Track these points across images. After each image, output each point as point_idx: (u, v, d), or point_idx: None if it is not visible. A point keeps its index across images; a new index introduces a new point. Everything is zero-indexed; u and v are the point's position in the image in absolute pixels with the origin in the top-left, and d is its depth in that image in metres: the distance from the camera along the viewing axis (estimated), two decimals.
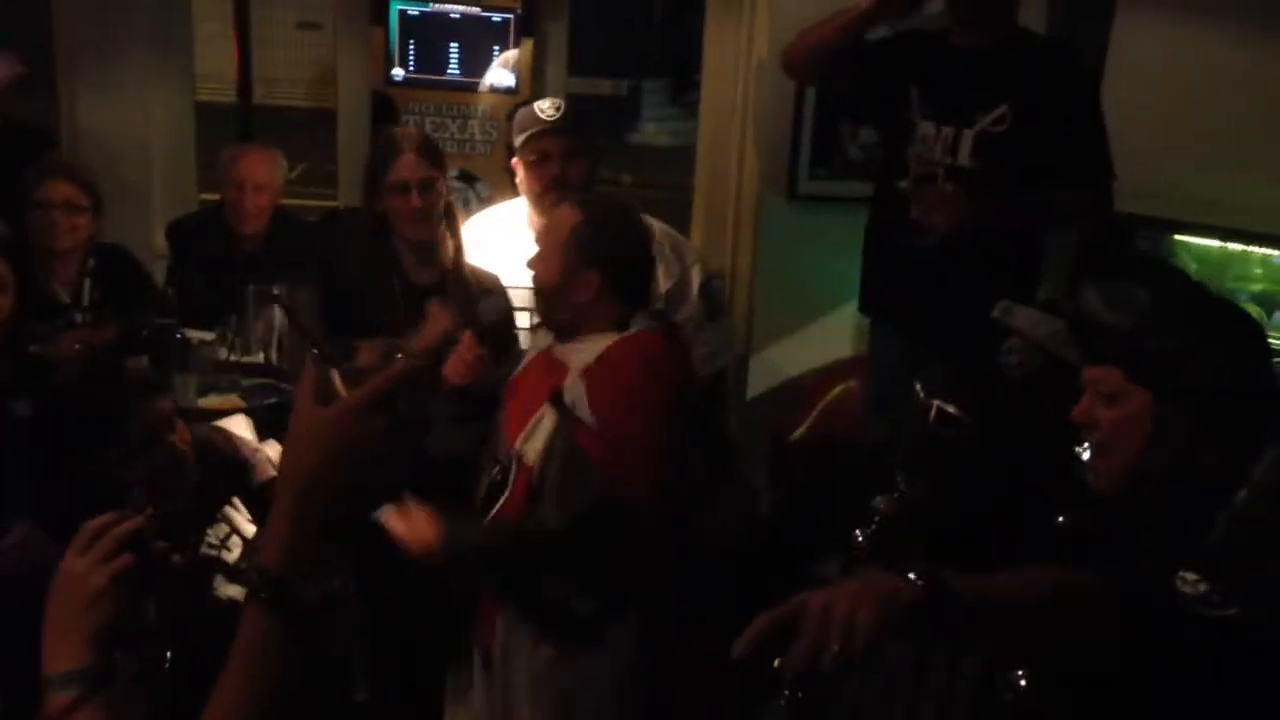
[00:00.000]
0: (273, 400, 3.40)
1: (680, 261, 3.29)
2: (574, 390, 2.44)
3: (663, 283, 3.21)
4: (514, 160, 3.22)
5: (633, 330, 2.53)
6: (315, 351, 1.18)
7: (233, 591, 2.51)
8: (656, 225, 3.33)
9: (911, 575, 1.30)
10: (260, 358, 3.67)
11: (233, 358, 3.66)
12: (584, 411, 2.41)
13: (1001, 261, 3.03)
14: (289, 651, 1.15)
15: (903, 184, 3.10)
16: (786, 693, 1.50)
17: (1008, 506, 1.84)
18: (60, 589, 1.47)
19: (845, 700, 1.83)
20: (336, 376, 1.17)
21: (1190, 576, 1.40)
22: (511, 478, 2.49)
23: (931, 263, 3.02)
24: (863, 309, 3.44)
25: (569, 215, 2.55)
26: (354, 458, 1.14)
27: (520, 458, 2.47)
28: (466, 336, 2.78)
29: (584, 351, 2.50)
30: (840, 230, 3.45)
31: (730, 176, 4.27)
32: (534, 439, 2.46)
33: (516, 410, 2.56)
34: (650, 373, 2.48)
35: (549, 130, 3.15)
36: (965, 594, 1.32)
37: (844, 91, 3.37)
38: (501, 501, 2.50)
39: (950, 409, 1.90)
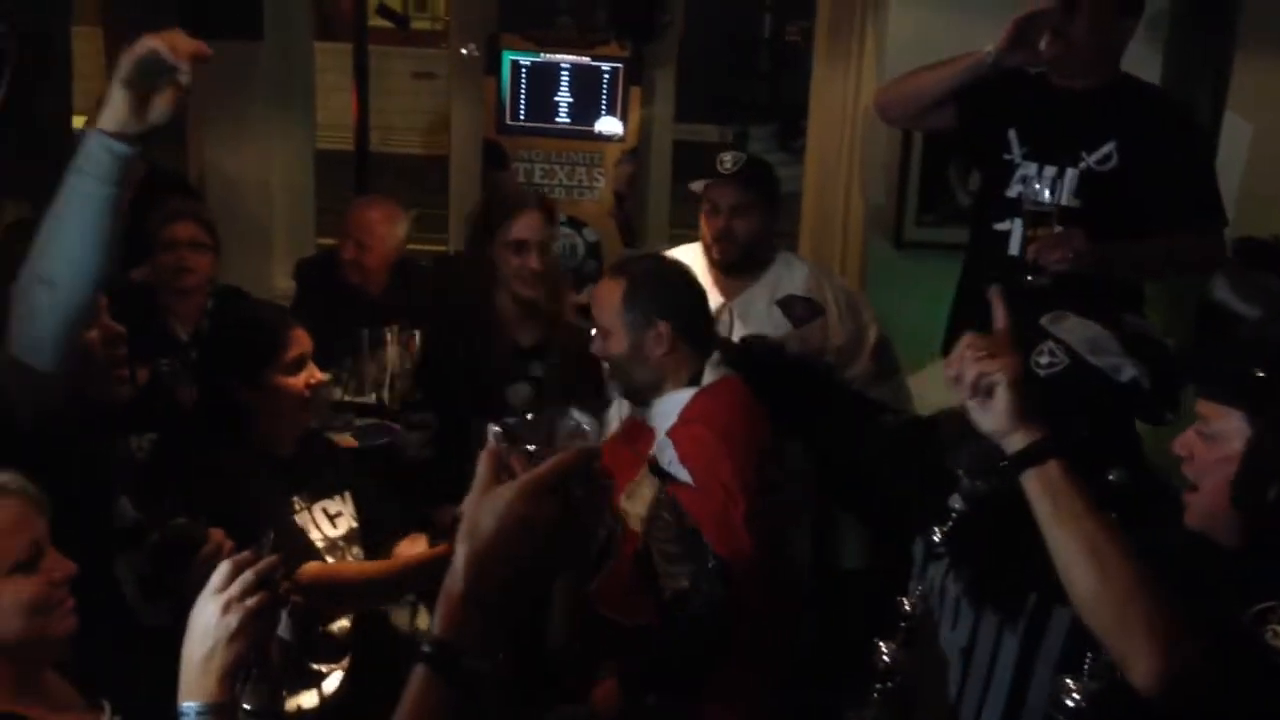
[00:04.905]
0: (384, 440, 3.48)
1: (856, 318, 3.30)
2: (665, 453, 2.46)
3: (835, 338, 3.23)
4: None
5: (710, 381, 2.55)
6: (499, 430, 1.21)
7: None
8: (832, 280, 3.35)
9: None
10: (372, 398, 3.76)
11: (346, 398, 3.75)
12: (679, 470, 2.43)
13: (1105, 302, 2.97)
14: (453, 716, 1.15)
15: (1001, 225, 3.07)
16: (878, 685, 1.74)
17: None
18: (198, 622, 1.56)
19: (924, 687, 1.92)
20: (516, 459, 1.19)
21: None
22: (618, 542, 2.50)
23: (1037, 303, 2.95)
24: (947, 353, 3.34)
25: (614, 285, 2.58)
26: (528, 536, 1.15)
27: (624, 520, 2.49)
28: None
29: (664, 410, 2.53)
30: (948, 277, 3.41)
31: (836, 223, 4.27)
32: (635, 502, 2.48)
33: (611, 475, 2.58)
34: (738, 417, 2.51)
35: (721, 182, 3.25)
36: None
37: (942, 134, 3.34)
38: (609, 567, 2.51)
39: None
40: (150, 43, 1.85)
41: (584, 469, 1.18)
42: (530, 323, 3.09)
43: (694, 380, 2.55)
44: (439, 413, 3.27)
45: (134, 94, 1.86)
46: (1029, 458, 1.56)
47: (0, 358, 1.98)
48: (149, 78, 1.86)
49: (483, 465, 1.20)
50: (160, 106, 1.89)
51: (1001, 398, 1.59)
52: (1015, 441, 1.58)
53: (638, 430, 2.60)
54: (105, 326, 2.21)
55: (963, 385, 1.63)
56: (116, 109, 1.87)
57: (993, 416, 1.60)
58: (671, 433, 2.48)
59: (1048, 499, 1.54)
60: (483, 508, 1.17)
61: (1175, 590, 1.47)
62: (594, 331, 2.63)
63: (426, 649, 1.14)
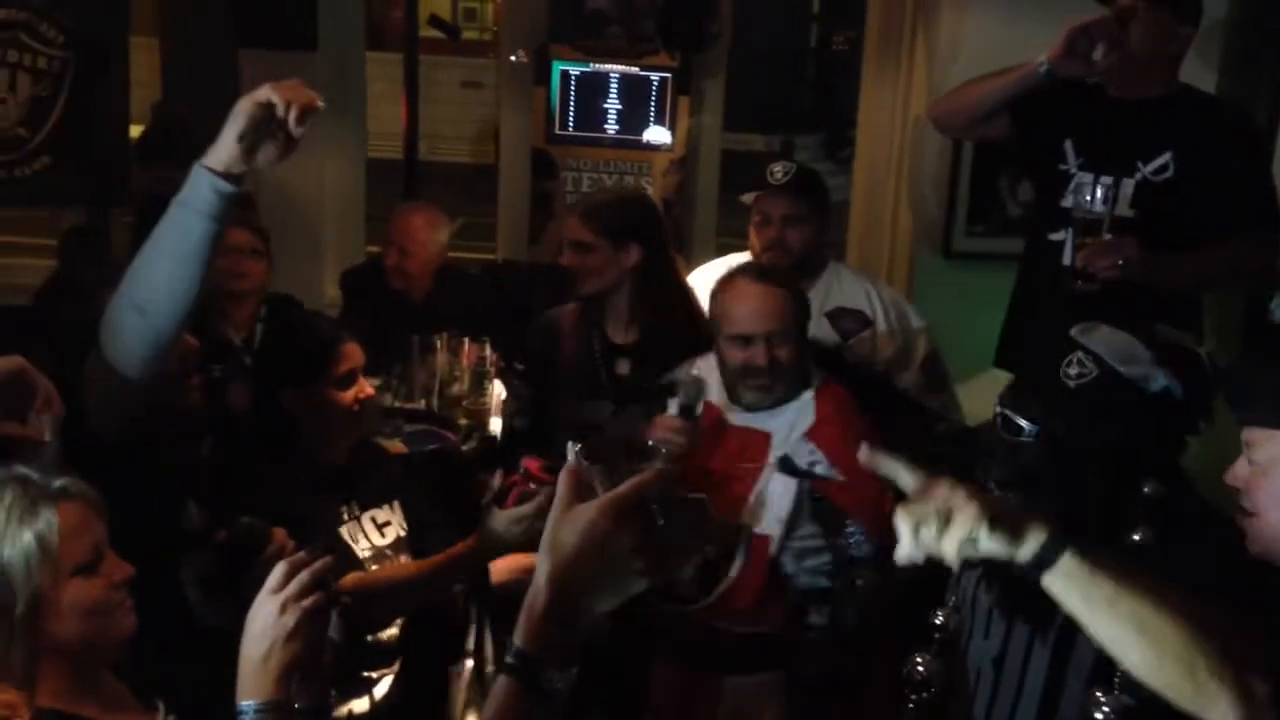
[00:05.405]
0: (433, 446, 3.50)
1: (905, 329, 3.27)
2: (805, 454, 2.49)
3: (885, 349, 3.21)
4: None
5: (821, 382, 2.62)
6: (579, 448, 1.22)
7: None
8: (882, 291, 3.33)
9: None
10: (422, 404, 3.78)
11: (396, 404, 3.78)
12: (825, 469, 2.46)
13: (1160, 314, 2.94)
14: None
15: (1056, 235, 3.04)
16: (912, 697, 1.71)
17: (1078, 512, 1.83)
18: (256, 622, 1.59)
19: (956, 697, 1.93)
20: (597, 477, 1.20)
21: None
22: (742, 552, 2.48)
23: (1088, 312, 2.93)
24: (1000, 364, 3.33)
25: (781, 293, 2.56)
26: (609, 554, 1.16)
27: (749, 530, 2.48)
28: (669, 420, 2.63)
29: (782, 414, 2.56)
30: (997, 288, 3.39)
31: (884, 233, 4.25)
32: (766, 509, 2.48)
33: (716, 487, 2.51)
34: (858, 414, 2.58)
35: (772, 193, 3.23)
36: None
37: (996, 143, 3.34)
38: (734, 577, 2.48)
39: (1016, 419, 1.93)
40: (269, 92, 1.92)
41: (662, 488, 1.18)
42: (619, 321, 3.08)
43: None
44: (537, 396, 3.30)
45: (246, 137, 1.92)
46: (1042, 563, 1.41)
47: (93, 370, 2.03)
48: (263, 124, 1.93)
49: (563, 483, 1.20)
50: (269, 152, 1.97)
51: (989, 540, 1.42)
52: (1024, 554, 1.42)
53: (752, 435, 2.57)
54: (181, 341, 2.26)
55: (949, 556, 1.43)
56: (227, 150, 1.94)
57: (989, 549, 1.43)
58: (812, 434, 2.52)
59: (1075, 593, 1.41)
60: (564, 525, 1.17)
61: (1237, 616, 1.41)
62: (749, 342, 2.55)
63: (511, 661, 1.15)
